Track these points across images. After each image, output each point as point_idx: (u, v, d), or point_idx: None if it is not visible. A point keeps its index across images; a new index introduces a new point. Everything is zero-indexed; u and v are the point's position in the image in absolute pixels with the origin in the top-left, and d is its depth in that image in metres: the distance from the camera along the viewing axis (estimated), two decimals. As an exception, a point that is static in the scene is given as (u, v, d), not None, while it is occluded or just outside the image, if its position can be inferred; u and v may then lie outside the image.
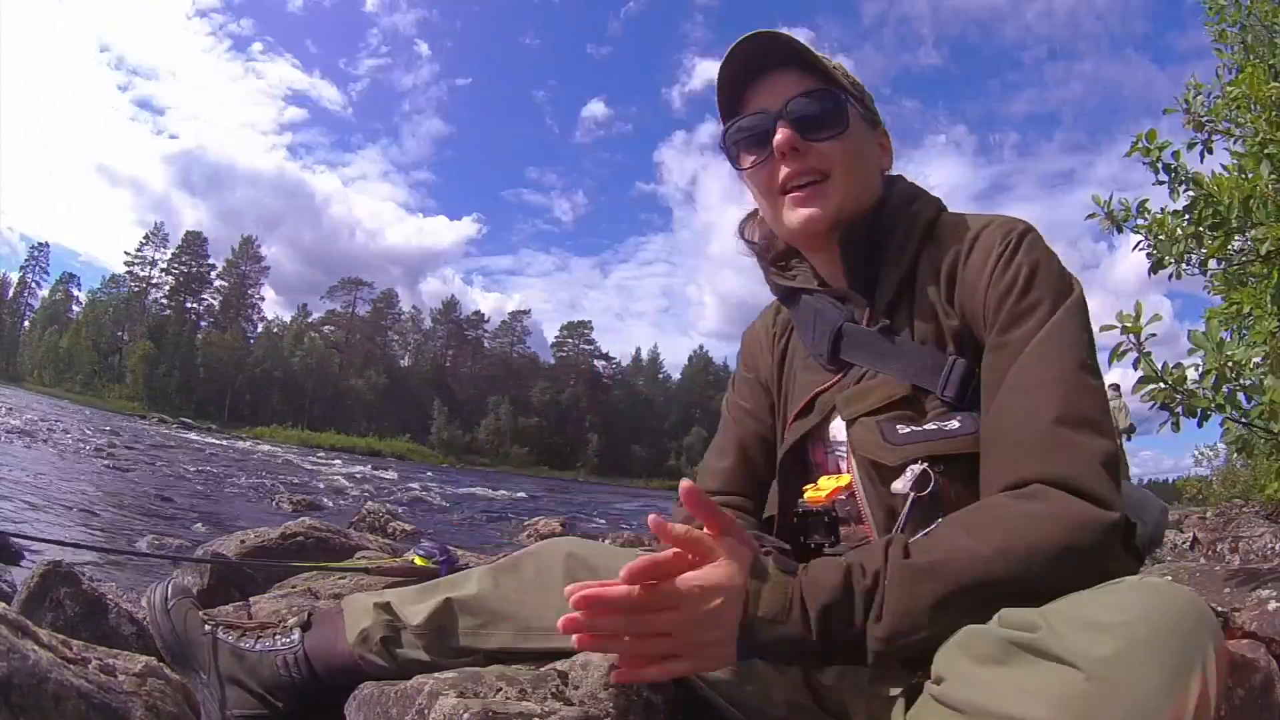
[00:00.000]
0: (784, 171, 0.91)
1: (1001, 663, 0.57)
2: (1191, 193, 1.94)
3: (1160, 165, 2.01)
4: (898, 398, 0.87)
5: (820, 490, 0.90)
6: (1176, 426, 1.59)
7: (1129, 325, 1.48)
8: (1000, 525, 0.69)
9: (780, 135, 0.89)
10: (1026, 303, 0.81)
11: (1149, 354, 1.53)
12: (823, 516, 0.89)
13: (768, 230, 1.03)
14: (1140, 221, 2.04)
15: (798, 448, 0.98)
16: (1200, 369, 1.54)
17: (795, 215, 0.92)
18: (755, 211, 1.06)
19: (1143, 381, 1.56)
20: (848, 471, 0.91)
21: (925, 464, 0.82)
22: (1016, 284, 0.82)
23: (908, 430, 0.85)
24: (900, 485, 0.82)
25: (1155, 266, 2.05)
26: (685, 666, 0.74)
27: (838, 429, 0.93)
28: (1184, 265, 2.05)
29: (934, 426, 0.84)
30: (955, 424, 0.83)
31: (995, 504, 0.73)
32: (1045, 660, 0.54)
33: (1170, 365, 1.57)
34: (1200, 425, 1.60)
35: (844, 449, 0.91)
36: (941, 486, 0.81)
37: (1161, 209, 2.03)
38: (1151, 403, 1.57)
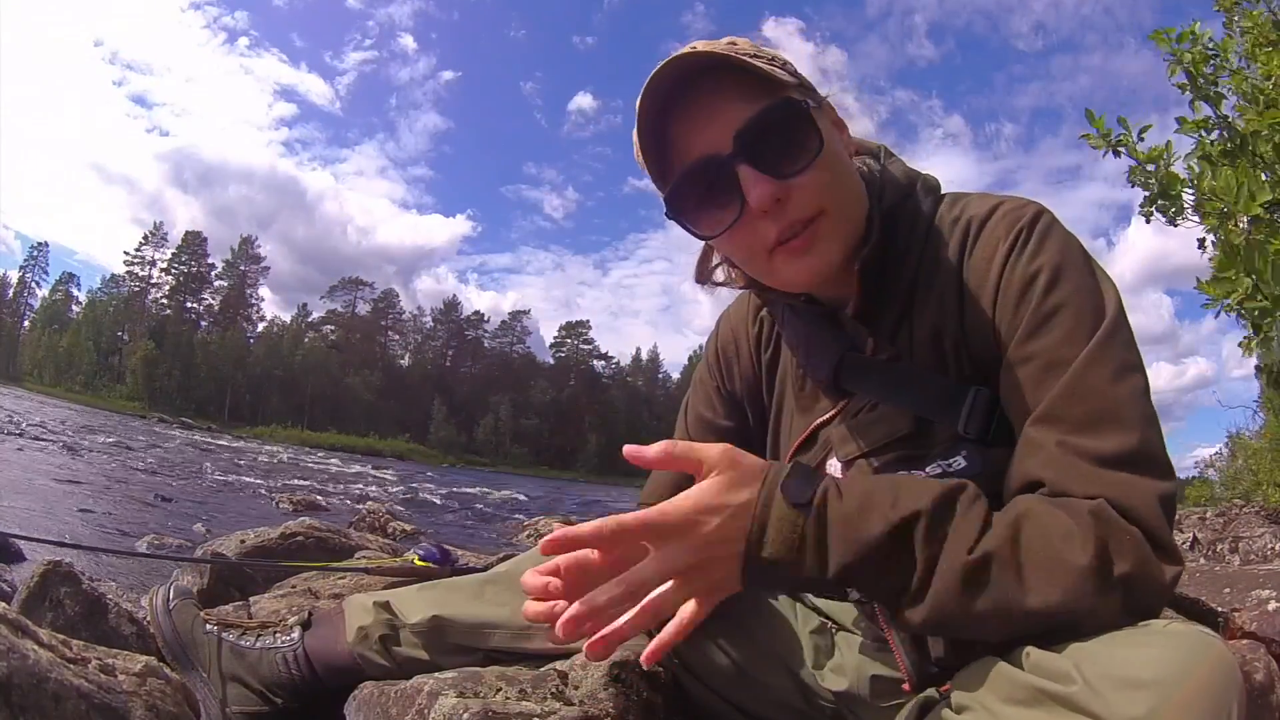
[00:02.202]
0: (768, 228, 0.72)
1: (1030, 706, 0.55)
2: (1210, 109, 1.89)
3: (1182, 70, 1.94)
4: (900, 435, 0.79)
5: None
6: (1261, 343, 1.48)
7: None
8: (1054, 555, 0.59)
9: (756, 191, 0.70)
10: (1050, 304, 0.70)
11: (1246, 233, 1.43)
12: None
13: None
14: (1140, 148, 1.98)
15: None
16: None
17: (798, 270, 0.75)
18: (708, 247, 0.88)
19: (1229, 269, 1.44)
20: None
21: None
22: (1036, 284, 0.71)
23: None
24: None
25: (1151, 200, 2.00)
26: (690, 608, 0.61)
27: (834, 467, 0.85)
28: (1183, 202, 1.99)
29: (938, 470, 0.76)
30: (962, 462, 0.75)
31: (1048, 521, 0.61)
32: (1077, 714, 0.53)
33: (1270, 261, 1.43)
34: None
35: None
36: None
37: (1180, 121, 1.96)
38: (1236, 307, 1.48)
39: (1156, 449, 0.65)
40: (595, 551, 0.61)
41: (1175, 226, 2.08)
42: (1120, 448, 0.64)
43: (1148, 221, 2.17)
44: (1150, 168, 1.99)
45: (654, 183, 0.77)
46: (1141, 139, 1.97)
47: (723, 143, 0.71)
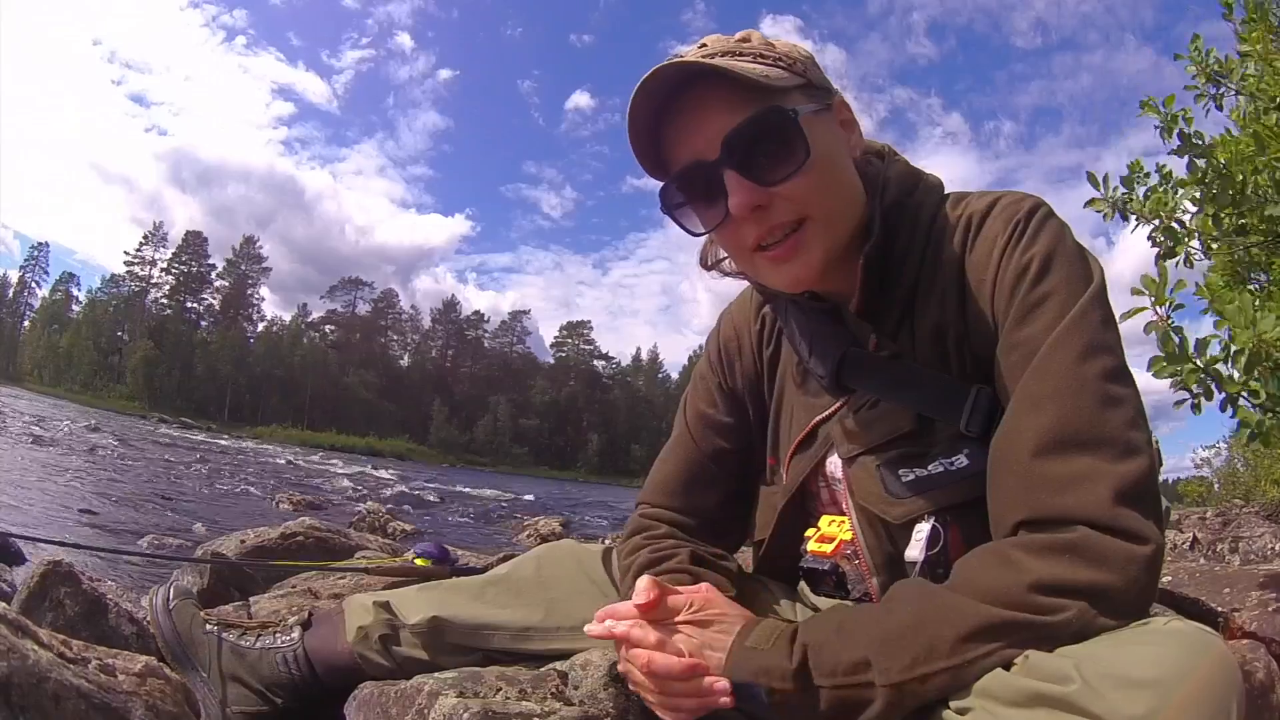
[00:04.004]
0: (750, 231, 0.75)
1: (1031, 707, 0.56)
2: (1203, 161, 1.88)
3: (1175, 132, 1.89)
4: (901, 433, 0.79)
5: (825, 544, 0.84)
6: (1198, 409, 1.47)
7: (1156, 295, 1.34)
8: (1011, 583, 0.62)
9: (736, 198, 0.72)
10: (1038, 293, 0.71)
11: (1178, 328, 1.39)
12: (830, 574, 0.84)
13: None
14: (1140, 194, 1.95)
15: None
16: (1229, 348, 1.40)
17: (778, 276, 0.78)
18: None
19: (1165, 361, 1.41)
20: (847, 512, 0.85)
21: (933, 519, 0.75)
22: (1027, 274, 0.72)
23: (911, 477, 0.78)
24: (914, 553, 0.75)
25: (1165, 255, 1.97)
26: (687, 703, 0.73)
27: (835, 464, 0.85)
28: (1191, 246, 1.98)
29: (940, 468, 0.76)
30: (964, 460, 0.75)
31: (1000, 571, 0.64)
32: (1077, 715, 0.53)
33: (1192, 343, 1.42)
34: (1224, 410, 1.50)
35: (841, 485, 0.85)
36: (950, 538, 0.75)
37: (1163, 177, 1.95)
38: (1177, 385, 1.43)
39: (1110, 429, 0.65)
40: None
41: (1191, 267, 2.07)
42: (1058, 428, 0.65)
43: (1156, 265, 2.16)
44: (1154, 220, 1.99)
45: (649, 174, 0.79)
46: (1147, 200, 1.95)
47: (712, 148, 0.73)
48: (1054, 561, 0.61)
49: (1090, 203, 2.00)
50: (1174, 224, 1.92)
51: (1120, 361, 0.69)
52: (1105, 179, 1.97)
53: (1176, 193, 1.92)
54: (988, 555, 0.67)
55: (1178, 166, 1.96)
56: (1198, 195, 1.90)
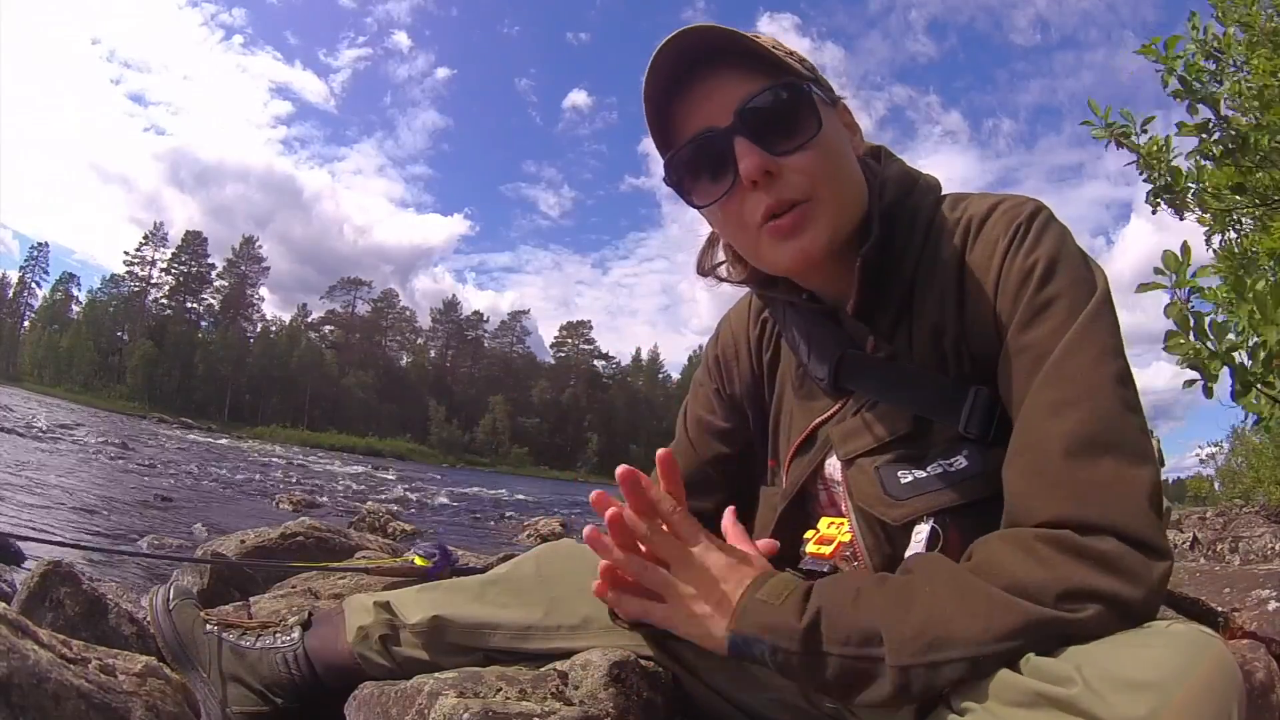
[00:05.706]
0: (759, 202, 0.75)
1: (1031, 708, 0.55)
2: (1210, 114, 1.88)
3: (1176, 78, 1.92)
4: (900, 435, 0.79)
5: (823, 546, 0.83)
6: (1210, 393, 1.49)
7: (1177, 273, 1.35)
8: (1032, 575, 0.60)
9: (747, 161, 0.73)
10: (1045, 296, 0.71)
11: (1196, 312, 1.41)
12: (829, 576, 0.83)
13: (735, 252, 0.89)
14: (1140, 140, 1.95)
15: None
16: (1249, 337, 1.42)
17: (783, 252, 0.77)
18: (712, 236, 0.92)
19: (1180, 337, 1.42)
20: (846, 514, 0.84)
21: (932, 521, 0.75)
22: (1033, 276, 0.72)
23: (910, 479, 0.77)
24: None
25: (1157, 192, 1.98)
26: (664, 615, 0.75)
27: (834, 466, 0.85)
28: (1188, 198, 1.98)
29: (939, 470, 0.76)
30: (963, 462, 0.75)
31: (1017, 560, 0.62)
32: (1077, 716, 0.53)
33: (1208, 325, 1.44)
34: (1234, 398, 1.51)
35: (840, 487, 0.85)
36: (949, 540, 0.74)
37: (1168, 134, 1.95)
38: (1188, 362, 1.45)
39: (1132, 433, 0.65)
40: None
41: (1182, 220, 2.08)
42: (1088, 431, 0.64)
43: (1154, 212, 2.17)
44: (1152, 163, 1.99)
45: (657, 150, 0.80)
46: (1144, 131, 1.95)
47: (723, 117, 0.74)
48: (1085, 568, 0.60)
49: (1086, 123, 2.00)
50: (1170, 167, 1.92)
51: (1128, 367, 0.69)
52: (1107, 111, 1.98)
53: (1173, 144, 1.92)
54: (1015, 545, 0.64)
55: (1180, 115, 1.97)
56: (1201, 139, 1.90)
